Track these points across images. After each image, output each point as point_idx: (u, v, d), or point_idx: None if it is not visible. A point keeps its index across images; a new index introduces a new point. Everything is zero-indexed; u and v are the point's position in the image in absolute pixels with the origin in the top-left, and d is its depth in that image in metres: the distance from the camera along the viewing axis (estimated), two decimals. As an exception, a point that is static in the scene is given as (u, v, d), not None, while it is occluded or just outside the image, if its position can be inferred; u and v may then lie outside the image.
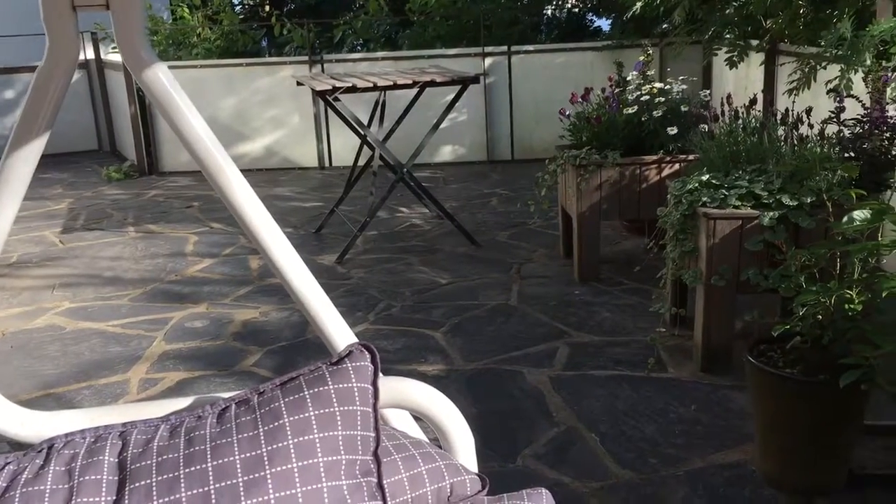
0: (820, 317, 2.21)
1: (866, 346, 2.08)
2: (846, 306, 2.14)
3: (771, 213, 2.87)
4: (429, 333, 3.67)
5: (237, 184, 1.31)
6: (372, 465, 1.01)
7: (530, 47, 7.71)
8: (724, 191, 3.00)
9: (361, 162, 5.57)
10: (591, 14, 10.24)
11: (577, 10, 9.95)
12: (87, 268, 4.87)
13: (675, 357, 3.27)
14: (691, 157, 3.80)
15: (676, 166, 3.97)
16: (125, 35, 1.23)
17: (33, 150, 1.27)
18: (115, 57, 8.21)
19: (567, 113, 4.32)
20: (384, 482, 1.11)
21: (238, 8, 16.28)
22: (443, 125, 5.18)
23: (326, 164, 7.82)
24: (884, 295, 1.99)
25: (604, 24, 10.08)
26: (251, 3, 17.66)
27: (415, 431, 1.39)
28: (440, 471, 1.17)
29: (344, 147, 7.40)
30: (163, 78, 1.26)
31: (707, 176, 3.11)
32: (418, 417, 1.30)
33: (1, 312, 4.10)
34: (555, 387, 3.08)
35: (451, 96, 5.05)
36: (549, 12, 9.86)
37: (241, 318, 3.94)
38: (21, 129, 1.25)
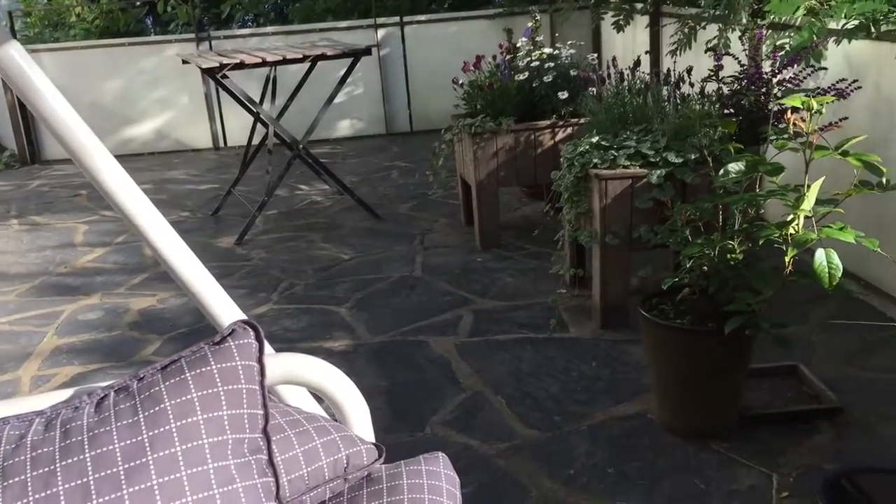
0: (705, 268, 2.31)
1: (748, 292, 2.18)
2: (729, 256, 2.24)
3: (658, 171, 2.96)
4: (333, 310, 3.64)
5: (106, 165, 1.26)
6: (261, 443, 1.00)
7: (422, 17, 7.67)
8: (613, 152, 3.08)
9: (256, 141, 5.45)
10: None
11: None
12: (-33, 265, 4.61)
13: (576, 316, 3.35)
14: (582, 120, 3.87)
15: (569, 130, 4.04)
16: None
17: None
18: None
19: (460, 82, 4.33)
20: (277, 459, 1.09)
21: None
22: (339, 99, 5.12)
23: (221, 144, 7.62)
24: (760, 243, 2.09)
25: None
26: (132, -21, 16.94)
27: (312, 407, 1.38)
28: (335, 443, 1.17)
29: (238, 126, 7.21)
30: (17, 56, 1.19)
31: (597, 138, 3.17)
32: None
33: None
34: (460, 354, 3.11)
35: (345, 70, 4.98)
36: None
37: (137, 306, 3.82)
38: None
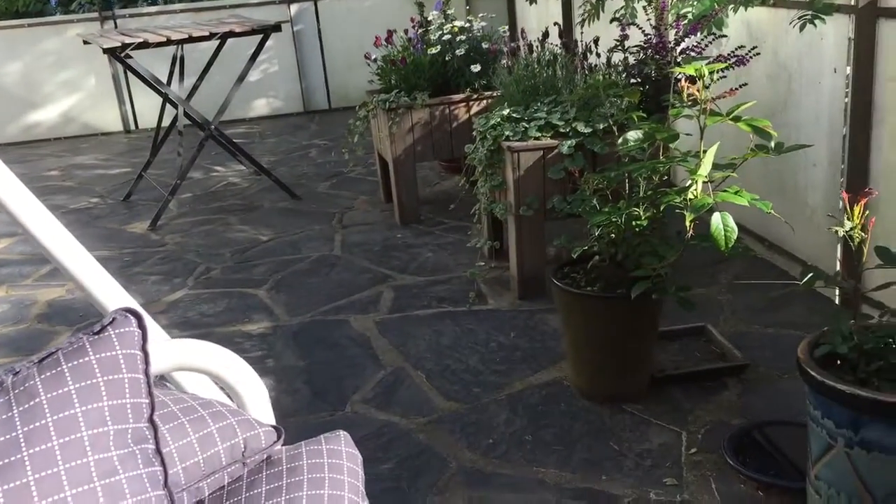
0: (613, 235, 2.35)
1: (654, 258, 2.23)
2: (634, 223, 2.28)
3: (569, 142, 2.99)
4: (251, 292, 3.59)
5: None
6: (147, 433, 0.98)
7: (336, -8, 7.54)
8: (524, 124, 3.09)
9: (167, 122, 5.30)
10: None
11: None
12: None
13: (495, 288, 3.38)
14: (496, 93, 3.88)
15: (483, 104, 4.05)
16: None
17: None
18: None
19: (373, 57, 4.28)
20: (169, 447, 1.07)
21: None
22: (254, 77, 5.02)
23: (132, 127, 7.38)
24: (662, 208, 2.13)
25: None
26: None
27: (213, 393, 1.36)
28: (232, 428, 1.16)
29: (149, 108, 6.98)
30: None
31: (508, 110, 3.19)
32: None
33: None
34: (381, 331, 3.11)
35: (255, 47, 4.86)
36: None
37: (45, 298, 3.69)
38: None
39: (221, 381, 1.20)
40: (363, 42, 6.85)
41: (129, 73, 6.75)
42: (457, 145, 4.11)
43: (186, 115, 4.90)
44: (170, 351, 1.16)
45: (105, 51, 4.43)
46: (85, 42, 4.98)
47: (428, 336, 3.03)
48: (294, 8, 7.31)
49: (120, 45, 4.32)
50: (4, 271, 4.07)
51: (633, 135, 2.07)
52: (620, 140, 2.11)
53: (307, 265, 3.87)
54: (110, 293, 1.28)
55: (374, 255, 3.90)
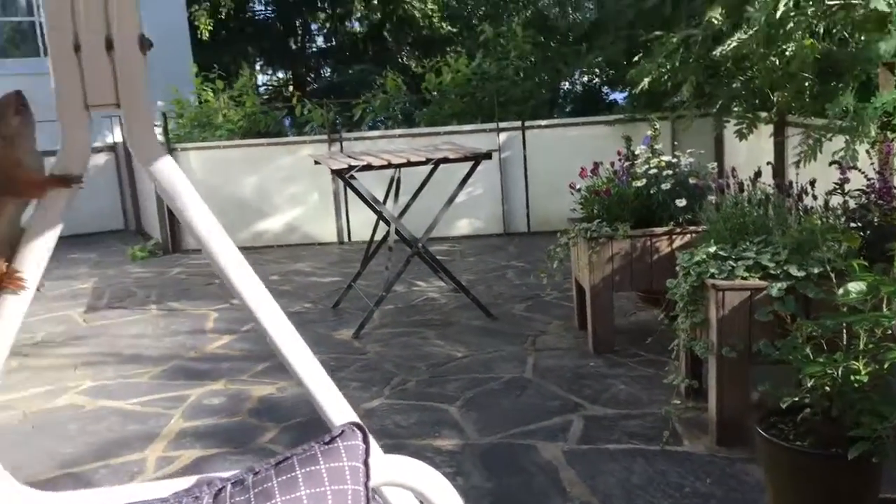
0: (828, 388, 2.21)
1: (875, 417, 2.07)
2: (853, 377, 2.14)
3: (779, 284, 2.88)
4: (443, 407, 3.68)
5: (235, 263, 1.37)
6: (363, 543, 1.04)
7: (544, 122, 7.87)
8: (731, 262, 3.03)
9: (378, 237, 5.67)
10: (606, 87, 10.45)
11: (593, 82, 10.15)
12: (109, 346, 4.95)
13: (690, 430, 3.24)
14: (700, 228, 3.84)
15: (687, 238, 4.01)
16: (133, 130, 1.31)
17: (47, 241, 1.34)
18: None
19: (577, 187, 4.39)
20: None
21: (262, 89, 16.82)
22: (459, 199, 5.28)
23: (345, 239, 7.95)
24: (886, 366, 1.99)
25: (619, 97, 10.28)
26: (275, 84, 18.23)
27: (414, 509, 1.41)
28: (433, 548, 1.19)
29: (362, 222, 7.51)
30: (168, 168, 1.34)
31: (714, 247, 3.14)
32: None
33: (24, 392, 4.16)
34: (569, 461, 3.06)
35: (466, 171, 5.15)
36: (565, 86, 10.07)
37: (258, 394, 3.98)
38: (37, 220, 1.32)
39: (428, 501, 1.24)
40: (566, 170, 7.03)
41: (348, 190, 7.36)
42: (657, 278, 4.06)
43: (397, 231, 5.22)
44: (385, 466, 1.23)
45: (333, 171, 4.87)
46: (316, 162, 5.50)
47: (618, 472, 2.94)
48: (503, 136, 7.68)
49: (346, 166, 4.73)
50: (225, 366, 4.45)
51: (856, 286, 1.97)
52: (841, 290, 2.02)
53: (498, 385, 3.92)
54: (334, 403, 1.38)
55: (565, 382, 3.88)
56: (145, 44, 1.26)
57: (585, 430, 3.32)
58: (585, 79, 10.17)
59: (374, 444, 1.39)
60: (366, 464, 1.08)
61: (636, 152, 4.35)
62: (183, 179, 1.33)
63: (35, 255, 1.31)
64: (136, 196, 9.32)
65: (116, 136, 9.05)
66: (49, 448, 3.48)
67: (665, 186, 4.04)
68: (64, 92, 1.24)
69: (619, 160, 4.37)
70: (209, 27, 12.83)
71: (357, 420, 1.23)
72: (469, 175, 5.11)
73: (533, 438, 3.29)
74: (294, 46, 17.89)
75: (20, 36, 12.11)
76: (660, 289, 4.05)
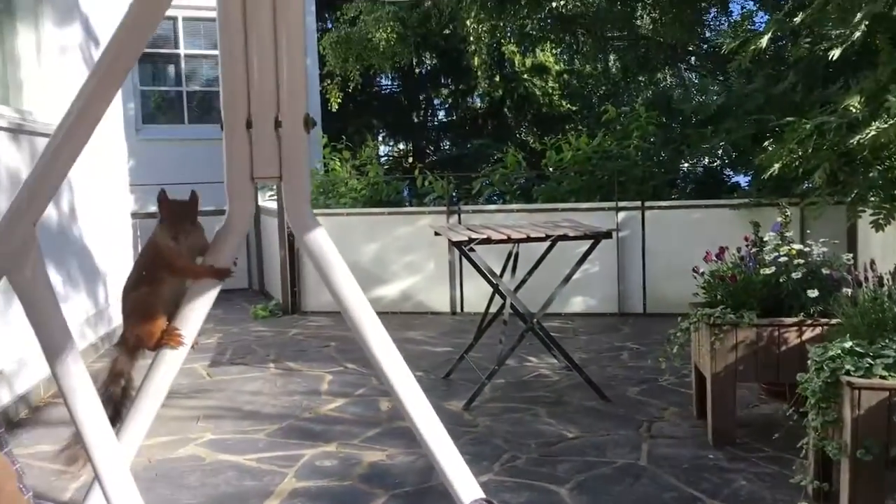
0: (980, 503, 2.05)
1: None
2: None
3: (922, 386, 2.72)
4: (554, 489, 3.60)
5: (376, 334, 1.42)
6: None
7: (665, 203, 7.78)
8: (869, 360, 2.88)
9: (493, 310, 5.69)
10: (728, 170, 10.26)
11: (714, 165, 10.00)
12: (229, 401, 5.13)
13: (819, 535, 3.05)
14: (833, 321, 3.67)
15: (818, 330, 3.83)
16: (293, 202, 1.40)
17: (205, 300, 1.44)
18: (271, 204, 8.90)
19: (701, 270, 4.30)
20: None
21: (384, 159, 17.42)
22: (574, 276, 5.25)
23: (458, 309, 8.01)
24: None
25: (742, 180, 10.06)
26: (395, 155, 18.85)
27: None
28: None
29: (476, 294, 7.58)
30: (320, 239, 1.41)
31: (850, 343, 2.99)
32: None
33: (150, 440, 4.35)
34: (685, 557, 2.93)
35: (584, 249, 5.14)
36: (685, 167, 9.96)
37: (368, 459, 4.01)
38: (197, 283, 1.42)
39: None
40: (686, 252, 6.91)
41: (464, 262, 7.46)
42: (783, 370, 3.90)
43: (512, 306, 5.23)
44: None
45: (453, 243, 4.96)
46: (436, 233, 5.62)
47: (738, 574, 2.79)
48: (622, 215, 7.64)
49: (466, 239, 4.81)
50: (338, 429, 4.52)
51: None
52: None
53: (611, 471, 3.81)
54: (461, 476, 1.39)
55: (682, 473, 3.74)
56: (309, 123, 1.35)
57: (703, 526, 3.18)
58: (706, 160, 10.03)
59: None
60: (498, 542, 1.08)
61: (764, 238, 4.24)
62: (332, 248, 1.40)
63: (194, 315, 1.41)
64: (262, 257, 9.73)
65: (248, 199, 9.51)
66: (169, 497, 3.61)
67: (796, 275, 3.90)
68: (234, 164, 1.34)
69: (746, 245, 4.26)
70: (339, 100, 13.46)
71: (484, 496, 1.24)
72: (588, 253, 5.09)
73: (647, 529, 3.16)
74: (416, 119, 18.52)
75: (167, 104, 13.05)
76: (786, 382, 3.88)
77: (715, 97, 8.32)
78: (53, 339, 1.28)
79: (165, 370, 1.40)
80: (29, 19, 5.83)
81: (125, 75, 1.32)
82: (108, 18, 6.80)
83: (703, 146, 7.99)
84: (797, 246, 4.06)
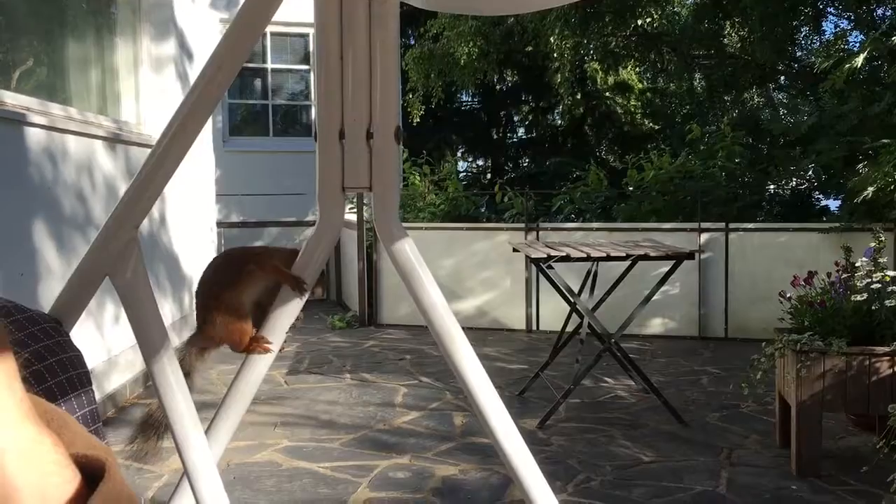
0: None
1: None
2: None
3: None
4: (629, 513, 3.53)
5: (463, 349, 1.42)
6: None
7: (750, 225, 7.58)
8: (969, 393, 2.73)
9: (570, 328, 5.63)
10: (817, 193, 9.94)
11: (802, 188, 9.70)
12: (305, 409, 5.22)
13: (911, 577, 2.90)
14: (930, 352, 3.51)
15: (913, 361, 3.67)
16: (382, 213, 1.42)
17: (292, 310, 1.46)
18: (350, 216, 9.04)
19: (788, 295, 4.17)
20: None
21: (462, 175, 17.52)
22: (654, 297, 5.16)
23: (533, 327, 7.96)
24: None
25: (832, 203, 9.73)
26: (474, 171, 18.93)
27: None
28: None
29: (552, 312, 7.51)
30: (408, 251, 1.43)
31: (949, 375, 2.85)
32: None
33: (229, 444, 4.45)
34: (766, 591, 2.82)
35: (664, 270, 5.04)
36: (771, 189, 9.69)
37: (441, 473, 4.01)
38: (285, 291, 1.45)
39: None
40: (771, 276, 6.73)
41: (540, 279, 7.41)
42: (874, 401, 3.74)
43: (590, 325, 5.17)
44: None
45: (531, 260, 4.94)
46: (515, 249, 5.61)
47: None
48: (704, 236, 7.47)
49: (545, 256, 4.79)
50: (411, 441, 4.54)
51: None
52: None
53: (689, 497, 3.71)
54: (543, 495, 1.38)
55: (763, 503, 3.61)
56: (400, 135, 1.37)
57: (786, 560, 3.06)
58: (794, 182, 9.74)
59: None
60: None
61: (856, 264, 4.08)
62: (419, 259, 1.42)
63: (281, 321, 1.44)
64: (340, 269, 9.89)
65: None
66: (247, 500, 3.68)
67: (890, 303, 3.74)
68: (325, 174, 1.37)
69: (837, 271, 4.11)
70: (420, 113, 13.60)
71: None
72: (669, 274, 5.00)
73: (726, 560, 3.07)
74: (496, 136, 18.57)
75: (253, 116, 13.43)
76: (876, 413, 3.73)
77: (805, 117, 8.08)
78: (151, 338, 1.33)
79: (254, 374, 1.43)
80: (128, 34, 6.11)
81: (227, 86, 1.37)
82: (202, 34, 7.06)
83: (791, 167, 7.75)
84: (891, 273, 3.90)
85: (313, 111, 13.19)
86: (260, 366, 1.51)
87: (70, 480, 0.49)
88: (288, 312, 1.46)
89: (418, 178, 9.60)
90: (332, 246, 1.46)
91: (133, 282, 1.33)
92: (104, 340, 4.89)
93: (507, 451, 1.41)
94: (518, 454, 1.40)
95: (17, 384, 0.49)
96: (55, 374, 1.23)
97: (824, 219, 7.75)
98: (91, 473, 0.50)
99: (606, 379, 5.93)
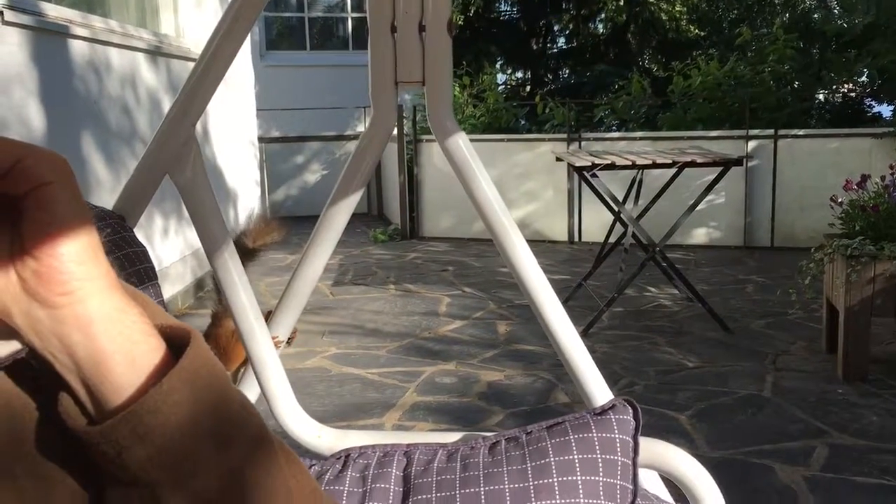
0: None
1: None
2: None
3: None
4: (672, 415, 3.59)
5: (520, 246, 1.43)
6: (628, 516, 1.06)
7: (800, 131, 7.39)
8: None
9: (613, 238, 5.62)
10: (869, 99, 9.61)
11: (853, 94, 9.38)
12: (352, 318, 5.33)
13: (957, 475, 2.93)
14: None
15: (967, 264, 3.60)
16: (435, 107, 1.41)
17: (349, 205, 1.48)
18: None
19: (839, 200, 4.09)
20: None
21: (500, 87, 17.23)
22: (699, 206, 5.10)
23: (575, 238, 7.95)
24: None
25: (885, 109, 9.41)
26: (513, 83, 18.59)
27: (665, 496, 1.41)
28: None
29: (593, 223, 7.48)
30: (463, 146, 1.43)
31: None
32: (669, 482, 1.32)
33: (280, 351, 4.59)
34: (810, 488, 2.87)
35: (710, 178, 4.97)
36: (821, 96, 9.39)
37: (486, 378, 4.10)
38: (341, 186, 1.47)
39: (686, 488, 1.24)
40: (820, 183, 6.59)
41: (583, 189, 7.36)
42: (925, 306, 3.70)
43: (634, 234, 5.15)
44: (643, 447, 1.24)
45: (575, 168, 4.90)
46: (558, 159, 5.56)
47: (866, 508, 2.73)
48: (752, 144, 7.31)
49: (590, 164, 4.74)
50: (455, 348, 4.63)
51: None
52: None
53: (733, 401, 3.75)
54: (596, 383, 1.41)
55: (807, 406, 3.64)
56: (453, 27, 1.35)
57: (830, 459, 3.10)
58: (846, 88, 9.42)
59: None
60: (635, 439, 1.09)
61: (911, 167, 3.98)
62: (473, 154, 1.42)
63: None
64: (381, 183, 9.91)
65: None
66: (300, 403, 3.81)
67: (945, 206, 3.66)
68: (378, 69, 1.36)
69: (892, 174, 4.01)
70: (459, 23, 13.30)
71: (629, 398, 1.25)
72: (716, 182, 4.92)
73: (769, 459, 3.12)
74: (535, 47, 18.12)
75: (289, 30, 13.26)
76: (928, 318, 3.69)
77: (861, 18, 7.74)
78: (213, 234, 1.36)
79: (311, 271, 1.48)
80: (165, -54, 6.02)
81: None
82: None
83: (845, 71, 7.48)
84: (949, 175, 3.80)
85: (349, 23, 12.98)
86: (316, 264, 1.55)
87: (156, 349, 0.51)
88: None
89: (458, 89, 9.47)
90: (384, 143, 1.47)
91: (193, 179, 1.35)
92: (154, 252, 5.01)
93: (560, 341, 1.44)
94: (571, 343, 1.43)
95: (103, 257, 0.51)
96: (123, 266, 1.27)
97: (878, 125, 7.50)
98: (176, 345, 0.52)
99: (650, 288, 5.93)
